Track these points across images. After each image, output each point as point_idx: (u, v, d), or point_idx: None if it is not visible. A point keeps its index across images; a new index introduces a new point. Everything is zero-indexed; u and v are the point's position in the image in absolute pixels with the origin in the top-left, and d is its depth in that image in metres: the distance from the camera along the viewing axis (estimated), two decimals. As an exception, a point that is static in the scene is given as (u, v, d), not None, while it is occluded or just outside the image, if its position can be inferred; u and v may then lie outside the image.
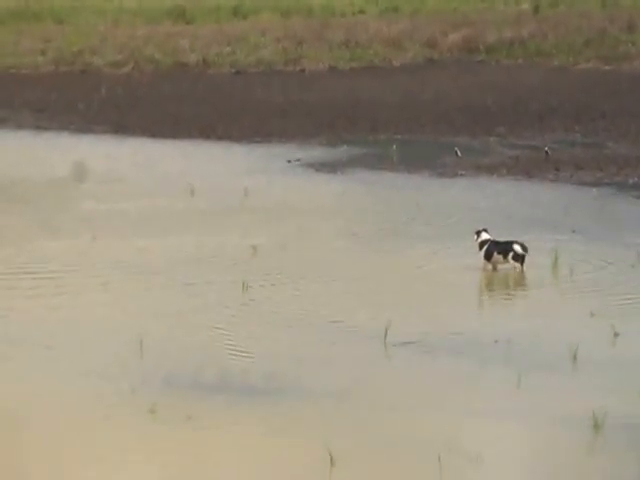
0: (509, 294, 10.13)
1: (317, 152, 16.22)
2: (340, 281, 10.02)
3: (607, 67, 22.34)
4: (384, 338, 8.38)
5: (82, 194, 13.90)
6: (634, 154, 15.33)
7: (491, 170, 14.70)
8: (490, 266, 10.24)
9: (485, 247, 10.17)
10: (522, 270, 10.11)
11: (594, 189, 13.54)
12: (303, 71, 23.43)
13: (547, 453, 6.73)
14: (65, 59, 24.69)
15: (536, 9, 27.22)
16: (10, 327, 8.93)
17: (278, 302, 9.41)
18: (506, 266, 10.24)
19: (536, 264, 10.20)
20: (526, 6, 27.83)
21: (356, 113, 18.89)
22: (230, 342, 8.54)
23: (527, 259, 10.16)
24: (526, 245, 10.10)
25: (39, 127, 18.91)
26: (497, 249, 10.12)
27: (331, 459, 6.51)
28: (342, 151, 16.23)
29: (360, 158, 15.70)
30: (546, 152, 15.26)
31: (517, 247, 10.04)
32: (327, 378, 7.82)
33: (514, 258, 10.07)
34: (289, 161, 15.64)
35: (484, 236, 10.27)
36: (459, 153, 15.57)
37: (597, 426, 6.88)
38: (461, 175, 14.50)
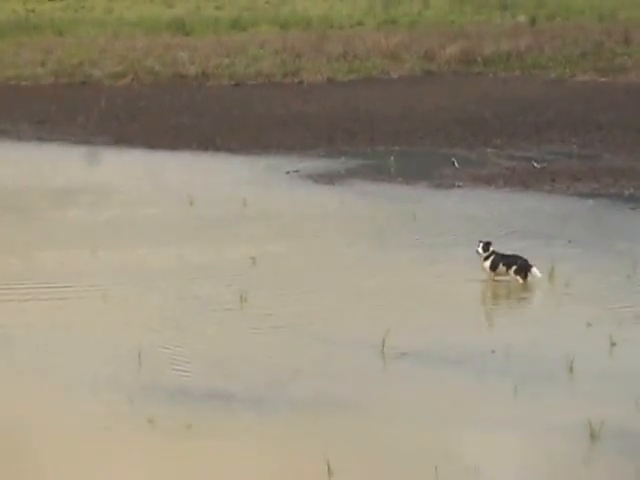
0: (506, 304, 10.18)
1: (316, 163, 16.29)
2: (338, 291, 10.07)
3: (603, 79, 22.46)
4: (382, 348, 8.42)
5: (82, 205, 13.96)
6: (630, 166, 15.40)
7: (488, 181, 14.77)
8: (493, 276, 10.32)
9: (491, 259, 10.26)
10: (524, 283, 10.19)
11: (590, 200, 13.61)
12: (302, 83, 23.54)
13: (544, 463, 6.77)
14: (65, 71, 24.79)
15: (533, 22, 27.36)
16: (9, 338, 8.96)
17: (276, 313, 9.46)
18: (507, 278, 10.31)
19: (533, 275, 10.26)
20: (523, 19, 27.97)
21: (354, 125, 18.97)
22: (228, 352, 8.58)
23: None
24: (530, 264, 10.16)
25: (39, 139, 18.97)
26: (502, 261, 10.22)
27: (329, 469, 6.55)
28: (340, 162, 16.30)
29: (358, 169, 15.77)
30: (533, 165, 15.36)
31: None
32: (325, 388, 7.86)
33: (516, 272, 10.17)
34: (288, 172, 15.70)
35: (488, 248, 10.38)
36: (456, 164, 15.65)
37: (594, 436, 6.91)
38: (458, 186, 14.56)
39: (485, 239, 10.48)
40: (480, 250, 10.31)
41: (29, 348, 8.70)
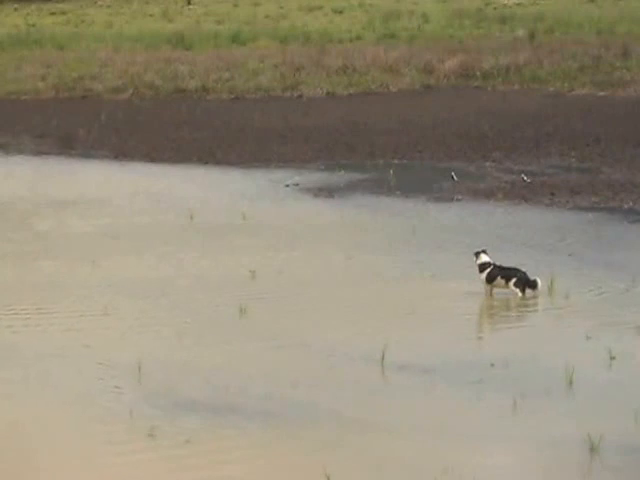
0: (505, 318, 10.19)
1: (315, 177, 16.34)
2: (337, 305, 10.08)
3: (602, 93, 22.56)
4: (381, 361, 8.43)
5: (82, 218, 13.99)
6: (629, 179, 15.45)
7: (487, 195, 14.81)
8: (489, 289, 10.31)
9: (488, 270, 10.25)
10: (523, 297, 10.19)
11: (589, 214, 13.64)
12: (301, 97, 23.65)
13: (543, 476, 6.77)
14: (65, 85, 24.92)
15: (532, 36, 27.51)
16: (7, 351, 8.97)
17: (275, 326, 9.47)
18: (505, 291, 10.32)
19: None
20: (522, 33, 28.11)
21: (354, 138, 19.04)
22: (228, 366, 8.59)
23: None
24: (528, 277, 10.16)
25: (40, 152, 19.05)
26: (501, 274, 10.21)
27: (328, 481, 6.56)
28: (340, 176, 16.35)
29: (358, 183, 15.81)
30: (523, 179, 15.42)
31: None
32: (324, 401, 7.87)
33: (516, 285, 10.17)
34: (287, 186, 15.74)
35: (484, 258, 10.36)
36: (456, 178, 15.69)
37: (593, 449, 6.92)
38: (458, 200, 14.60)
39: (477, 249, 10.48)
40: (479, 261, 10.31)
41: (28, 360, 8.70)
